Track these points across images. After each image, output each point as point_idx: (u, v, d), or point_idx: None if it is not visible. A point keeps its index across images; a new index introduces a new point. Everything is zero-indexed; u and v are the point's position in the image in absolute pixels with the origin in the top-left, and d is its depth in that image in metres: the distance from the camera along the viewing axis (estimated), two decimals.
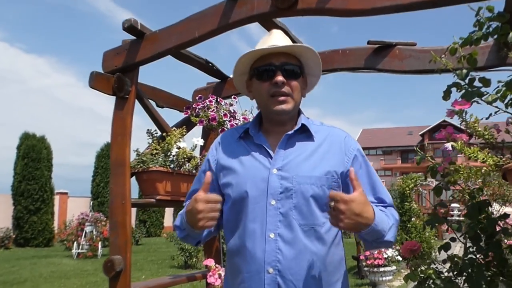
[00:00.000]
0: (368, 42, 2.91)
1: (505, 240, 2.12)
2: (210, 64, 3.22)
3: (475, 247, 2.00)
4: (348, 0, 2.03)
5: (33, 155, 17.34)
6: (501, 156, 1.80)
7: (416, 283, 2.11)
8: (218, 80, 3.49)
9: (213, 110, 2.93)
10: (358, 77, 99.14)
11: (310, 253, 1.40)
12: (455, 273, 2.02)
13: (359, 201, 1.24)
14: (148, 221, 22.15)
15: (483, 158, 1.79)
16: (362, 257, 8.10)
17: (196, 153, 2.99)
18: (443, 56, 2.14)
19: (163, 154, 2.77)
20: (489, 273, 1.93)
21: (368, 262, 7.81)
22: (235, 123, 2.93)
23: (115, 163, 2.56)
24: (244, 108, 3.13)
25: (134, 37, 2.62)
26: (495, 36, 2.09)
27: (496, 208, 2.25)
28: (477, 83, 2.04)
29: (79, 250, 13.70)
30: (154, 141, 2.87)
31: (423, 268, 2.11)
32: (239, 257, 1.46)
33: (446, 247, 2.10)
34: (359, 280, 8.85)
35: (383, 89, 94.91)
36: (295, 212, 1.42)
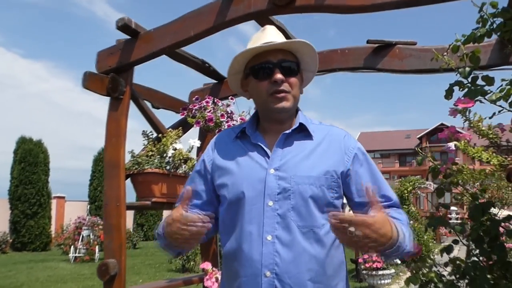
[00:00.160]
0: (368, 41, 2.86)
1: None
2: (207, 65, 3.17)
3: (478, 250, 1.96)
4: None
5: (30, 159, 17.28)
6: (506, 156, 1.75)
7: (417, 286, 2.06)
8: (215, 81, 3.44)
9: (210, 111, 2.87)
10: (355, 80, 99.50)
11: (309, 256, 1.35)
12: (457, 276, 1.97)
13: (381, 221, 1.17)
14: (146, 225, 22.03)
15: (487, 158, 1.74)
16: (360, 260, 8.04)
17: (193, 154, 2.93)
18: (445, 54, 2.09)
19: (158, 156, 2.71)
20: (492, 276, 1.88)
21: (367, 265, 7.77)
22: (232, 124, 2.88)
23: (109, 165, 2.50)
24: (242, 109, 3.08)
25: (129, 37, 2.56)
26: (498, 33, 2.05)
27: (494, 212, 2.20)
28: (480, 82, 2.00)
29: (76, 254, 13.62)
30: (150, 143, 2.81)
31: (424, 271, 2.06)
32: (236, 260, 1.40)
33: (448, 249, 2.06)
34: (358, 283, 8.79)
35: (381, 92, 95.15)
36: (293, 214, 1.36)
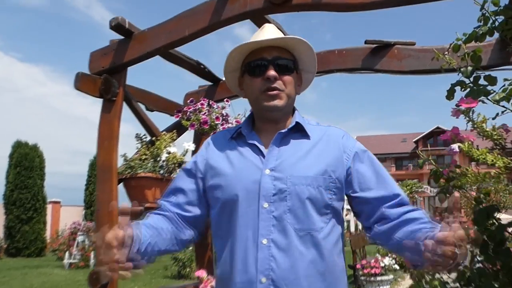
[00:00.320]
0: (366, 42, 2.81)
1: None
2: (202, 66, 3.11)
3: (483, 256, 1.90)
4: None
5: (26, 163, 17.17)
6: (511, 158, 1.69)
7: None
8: (210, 83, 3.37)
9: (205, 113, 2.81)
10: (351, 84, 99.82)
11: (307, 262, 1.28)
12: (462, 283, 1.90)
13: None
14: None
15: (492, 160, 1.68)
16: (358, 266, 7.97)
17: (187, 158, 2.86)
18: (446, 53, 2.04)
19: (152, 160, 2.64)
20: (498, 283, 1.82)
21: (365, 271, 7.70)
22: (228, 127, 2.81)
23: (102, 168, 2.43)
24: (237, 111, 3.02)
25: (122, 37, 2.50)
26: (498, 33, 2.00)
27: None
28: (482, 82, 1.95)
29: (71, 260, 13.48)
30: (143, 146, 2.74)
31: (427, 278, 1.99)
32: (229, 266, 1.34)
33: None
34: None
35: (376, 96, 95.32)
36: (290, 216, 1.30)
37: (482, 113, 1.89)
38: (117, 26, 2.36)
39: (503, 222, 1.84)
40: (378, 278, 7.67)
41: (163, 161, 2.64)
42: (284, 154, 1.37)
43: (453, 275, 1.94)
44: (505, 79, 1.88)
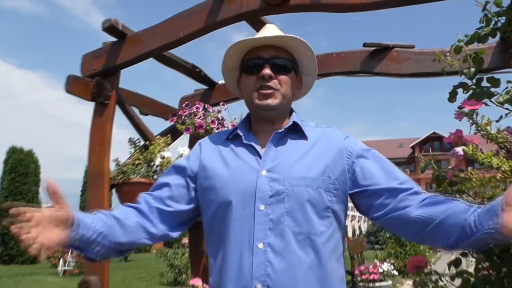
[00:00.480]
0: (364, 45, 2.77)
1: None
2: (198, 69, 3.05)
3: (487, 262, 1.84)
4: None
5: (21, 169, 17.08)
6: None
7: None
8: (206, 87, 3.31)
9: (200, 117, 2.74)
10: (347, 90, 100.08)
11: (305, 267, 1.22)
12: None
13: None
14: None
15: (498, 164, 1.63)
16: (356, 271, 7.92)
17: None
18: (447, 54, 1.99)
19: (145, 165, 2.57)
20: None
21: (363, 277, 7.66)
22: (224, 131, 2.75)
23: (93, 174, 2.37)
24: (234, 115, 2.95)
25: (116, 39, 2.44)
26: (501, 34, 1.96)
27: None
28: (484, 84, 1.90)
29: (65, 267, 13.39)
30: (137, 151, 2.67)
31: (430, 286, 1.92)
32: (223, 272, 1.27)
33: (456, 262, 1.93)
34: None
35: (372, 102, 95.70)
36: (288, 219, 1.23)
37: (485, 115, 1.84)
38: (110, 28, 2.30)
39: None
40: (377, 284, 7.64)
41: (157, 166, 2.57)
42: (281, 155, 1.32)
43: (457, 282, 1.88)
44: (509, 81, 1.84)
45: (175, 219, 1.39)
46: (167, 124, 3.01)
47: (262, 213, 1.24)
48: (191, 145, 3.08)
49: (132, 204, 1.38)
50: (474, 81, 1.91)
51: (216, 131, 2.74)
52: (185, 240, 10.00)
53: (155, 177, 2.55)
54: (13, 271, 14.39)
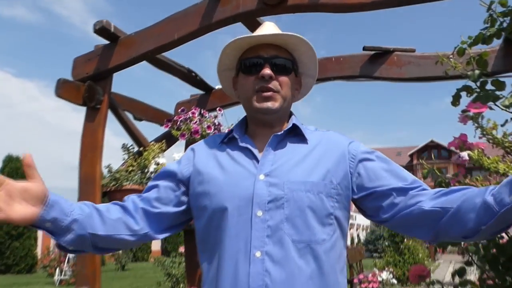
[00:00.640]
0: (364, 48, 2.71)
1: None
2: (193, 74, 2.98)
3: (493, 272, 1.76)
4: None
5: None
6: None
7: None
8: (202, 92, 3.25)
9: (196, 122, 2.67)
10: (346, 99, 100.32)
11: (306, 277, 1.14)
12: None
13: None
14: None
15: (505, 169, 1.56)
16: (355, 280, 7.82)
17: None
18: (450, 56, 1.93)
19: (139, 171, 2.49)
20: None
21: (363, 285, 7.55)
22: None
23: (84, 180, 2.29)
24: (230, 121, 2.89)
25: (108, 42, 2.37)
26: (507, 34, 1.90)
27: None
28: (489, 87, 1.84)
29: (62, 277, 13.27)
30: (130, 157, 2.59)
31: None
32: (218, 282, 1.19)
33: (461, 272, 1.86)
34: None
35: (370, 111, 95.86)
36: (287, 226, 1.16)
37: (490, 120, 1.77)
38: (102, 29, 2.24)
39: None
40: None
41: (151, 172, 2.50)
42: (280, 159, 1.24)
43: None
44: None
45: (162, 221, 1.31)
46: (162, 130, 2.94)
47: (259, 219, 1.16)
48: None
49: (118, 202, 1.30)
50: (478, 84, 1.85)
51: None
52: (182, 249, 9.90)
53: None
54: (9, 280, 14.24)
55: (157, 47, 2.23)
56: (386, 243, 13.82)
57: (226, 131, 2.69)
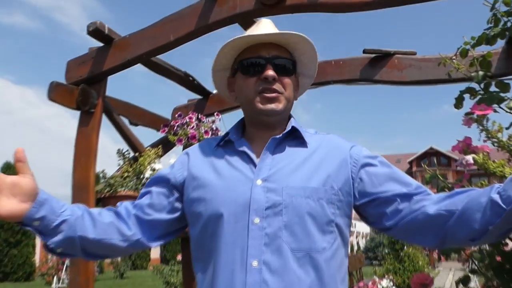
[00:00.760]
0: (364, 51, 2.66)
1: None
2: (191, 78, 2.93)
3: (498, 280, 1.70)
4: None
5: None
6: None
7: None
8: (199, 97, 3.20)
9: (193, 127, 2.61)
10: (345, 106, 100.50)
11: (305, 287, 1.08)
12: None
13: None
14: (134, 253, 21.55)
15: (511, 173, 1.50)
16: None
17: None
18: (453, 57, 1.88)
19: (135, 177, 2.43)
20: None
21: None
22: None
23: (77, 186, 2.23)
24: (228, 126, 2.82)
25: (102, 44, 2.32)
26: (511, 34, 1.86)
27: None
28: (493, 89, 1.79)
29: (60, 285, 13.20)
30: (126, 163, 2.53)
31: None
32: None
33: (465, 280, 1.80)
34: None
35: (369, 118, 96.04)
36: (286, 233, 1.10)
37: (495, 122, 1.72)
38: (95, 31, 2.19)
39: None
40: None
41: (147, 178, 2.44)
42: (279, 163, 1.19)
43: None
44: None
45: (155, 229, 1.26)
46: (158, 135, 2.88)
47: (256, 227, 1.11)
48: None
49: (111, 207, 1.27)
50: (482, 86, 1.80)
51: None
52: (180, 257, 9.84)
53: None
54: None
55: (152, 49, 2.18)
56: (386, 251, 13.74)
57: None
